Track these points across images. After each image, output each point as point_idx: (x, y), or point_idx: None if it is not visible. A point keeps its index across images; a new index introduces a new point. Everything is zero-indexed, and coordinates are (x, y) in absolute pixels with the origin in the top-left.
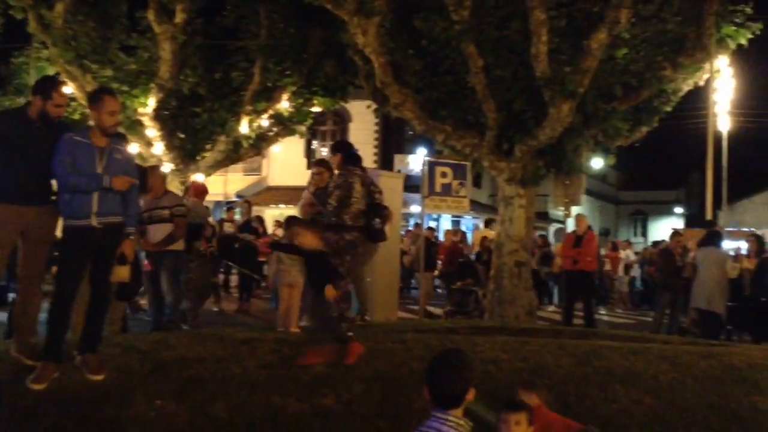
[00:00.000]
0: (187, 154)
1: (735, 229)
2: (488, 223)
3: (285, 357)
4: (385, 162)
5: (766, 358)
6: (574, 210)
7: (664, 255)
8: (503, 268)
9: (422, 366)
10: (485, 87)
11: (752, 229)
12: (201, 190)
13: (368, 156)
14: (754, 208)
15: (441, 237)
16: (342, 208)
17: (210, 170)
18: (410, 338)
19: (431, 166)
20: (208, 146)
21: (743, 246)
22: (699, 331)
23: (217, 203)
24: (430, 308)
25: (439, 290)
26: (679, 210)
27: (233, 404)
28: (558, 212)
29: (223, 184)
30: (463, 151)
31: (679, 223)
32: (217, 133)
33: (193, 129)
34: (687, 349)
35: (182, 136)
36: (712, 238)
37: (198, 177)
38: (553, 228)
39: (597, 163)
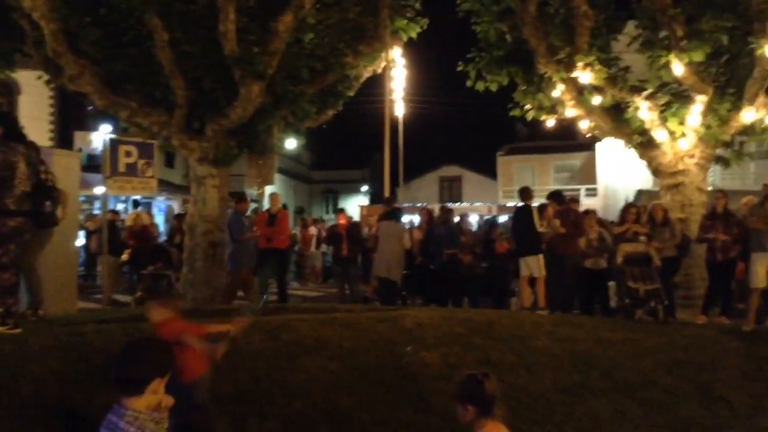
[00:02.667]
0: None
1: (410, 205)
2: (136, 205)
3: None
4: (64, 139)
5: (432, 318)
6: (269, 189)
7: (329, 232)
8: (197, 249)
9: (104, 358)
10: (172, 62)
11: (425, 204)
12: None
13: (43, 132)
14: (426, 186)
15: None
16: (3, 191)
17: None
18: (90, 330)
19: (113, 144)
20: None
21: (416, 219)
22: (380, 298)
23: None
24: (117, 296)
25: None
26: (365, 188)
27: None
28: (253, 191)
29: None
30: (151, 128)
31: (365, 201)
32: None
33: None
34: (367, 316)
35: None
36: (392, 213)
37: None
38: (250, 207)
39: (290, 143)
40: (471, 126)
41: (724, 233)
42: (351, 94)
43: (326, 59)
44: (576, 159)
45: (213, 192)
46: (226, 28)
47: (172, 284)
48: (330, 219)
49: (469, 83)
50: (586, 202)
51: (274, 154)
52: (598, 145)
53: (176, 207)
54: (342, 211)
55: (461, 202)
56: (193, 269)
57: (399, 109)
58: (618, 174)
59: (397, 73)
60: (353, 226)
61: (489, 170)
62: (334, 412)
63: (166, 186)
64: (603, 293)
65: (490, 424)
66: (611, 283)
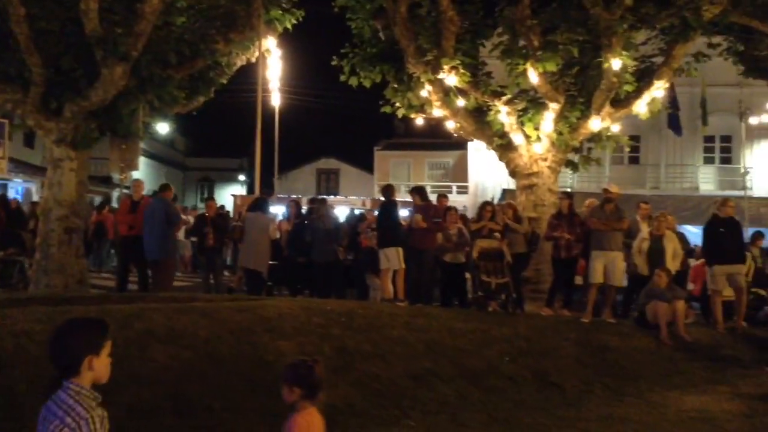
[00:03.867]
0: None
1: (285, 196)
2: None
3: None
4: None
5: (292, 308)
6: (136, 174)
7: (196, 221)
8: (51, 235)
9: None
10: (29, 38)
11: (299, 195)
12: None
13: None
14: (303, 177)
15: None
16: None
17: None
18: None
19: None
20: None
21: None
22: (246, 289)
23: None
24: None
25: None
26: (242, 177)
27: None
28: (117, 176)
29: None
30: (4, 107)
31: (242, 190)
32: None
33: None
34: (227, 305)
35: None
36: (260, 203)
37: None
38: (116, 193)
39: (163, 128)
40: (350, 120)
41: (568, 233)
42: (223, 81)
43: (195, 44)
44: (449, 157)
45: (70, 175)
46: (87, 6)
47: (24, 271)
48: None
49: (342, 78)
50: (457, 199)
51: (138, 138)
52: (470, 145)
53: (35, 190)
54: (211, 199)
55: (337, 194)
56: (47, 256)
57: (275, 99)
58: (487, 173)
59: (272, 63)
60: (220, 216)
61: (366, 164)
62: (183, 400)
63: (23, 167)
64: (461, 286)
65: (311, 407)
66: (469, 276)
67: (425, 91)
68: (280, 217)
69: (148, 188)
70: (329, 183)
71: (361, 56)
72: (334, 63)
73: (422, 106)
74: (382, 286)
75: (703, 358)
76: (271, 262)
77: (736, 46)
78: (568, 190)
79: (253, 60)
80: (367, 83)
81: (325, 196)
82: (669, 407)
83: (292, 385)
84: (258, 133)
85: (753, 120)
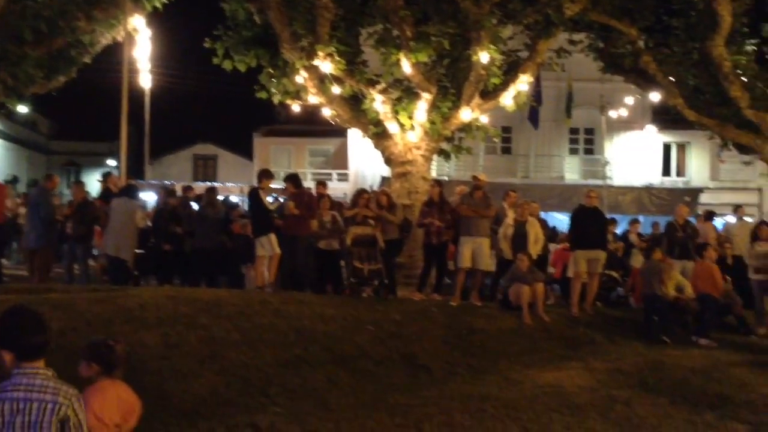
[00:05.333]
0: None
1: (157, 182)
2: None
3: None
4: None
5: (156, 297)
6: None
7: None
8: None
9: None
10: None
11: (173, 182)
12: None
13: None
14: (178, 163)
15: None
16: None
17: None
18: None
19: None
20: None
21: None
22: (109, 278)
23: None
24: None
25: None
26: (112, 162)
27: None
28: None
29: None
30: None
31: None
32: None
33: None
34: (86, 297)
35: None
36: (126, 190)
37: None
38: None
39: (22, 108)
40: (229, 105)
41: (438, 219)
42: (87, 60)
43: (54, 21)
44: (330, 144)
45: None
46: None
47: None
48: (67, 195)
49: (216, 61)
50: (338, 187)
51: None
52: (350, 132)
53: None
54: (78, 183)
55: (216, 181)
56: None
57: (145, 81)
58: (367, 161)
59: (141, 43)
60: (84, 203)
61: (246, 151)
62: None
63: None
64: (335, 273)
65: (108, 381)
66: (343, 263)
67: (300, 77)
68: (152, 204)
69: (6, 172)
70: (206, 169)
71: (235, 39)
72: (207, 45)
73: (298, 93)
74: (256, 273)
75: (560, 337)
76: (137, 251)
77: (597, 43)
78: (445, 178)
79: (120, 39)
80: (241, 67)
81: (214, 184)
82: (526, 384)
83: (90, 362)
84: (124, 116)
85: (612, 114)
